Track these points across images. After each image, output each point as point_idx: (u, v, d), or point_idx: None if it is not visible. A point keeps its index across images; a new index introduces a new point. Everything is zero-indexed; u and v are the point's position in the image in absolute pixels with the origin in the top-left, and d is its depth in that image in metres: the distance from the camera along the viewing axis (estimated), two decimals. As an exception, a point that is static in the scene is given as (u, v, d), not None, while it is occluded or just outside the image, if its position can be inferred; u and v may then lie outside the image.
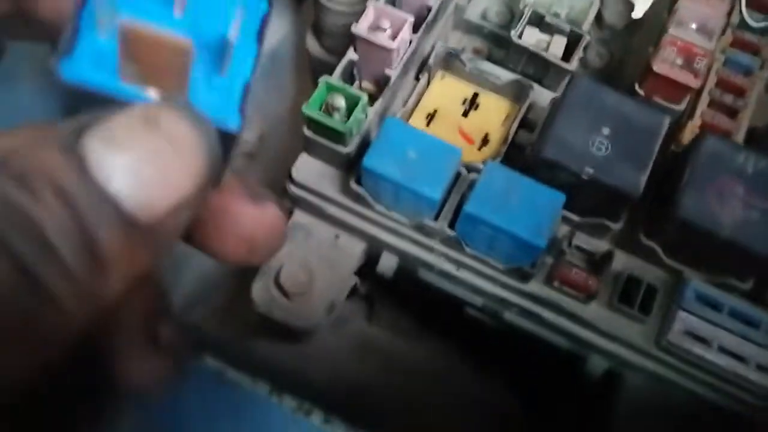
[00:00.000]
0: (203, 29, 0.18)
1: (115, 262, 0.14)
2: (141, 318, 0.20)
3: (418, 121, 0.36)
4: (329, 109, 0.32)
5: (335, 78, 0.33)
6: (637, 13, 0.42)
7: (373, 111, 0.33)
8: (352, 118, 0.31)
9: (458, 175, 0.32)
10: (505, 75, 0.36)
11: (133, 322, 0.20)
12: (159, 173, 0.14)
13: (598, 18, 0.40)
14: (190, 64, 0.17)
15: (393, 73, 0.33)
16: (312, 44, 0.47)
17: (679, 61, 0.33)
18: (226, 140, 0.18)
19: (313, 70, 0.50)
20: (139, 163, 0.14)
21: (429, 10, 0.35)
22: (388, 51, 0.32)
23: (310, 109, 0.31)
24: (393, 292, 0.44)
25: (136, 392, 0.20)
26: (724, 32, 0.36)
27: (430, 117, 0.36)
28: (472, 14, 0.40)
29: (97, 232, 0.13)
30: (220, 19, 0.18)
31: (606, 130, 0.30)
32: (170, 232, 0.15)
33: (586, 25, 0.37)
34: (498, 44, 0.39)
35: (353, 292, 0.41)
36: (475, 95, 0.36)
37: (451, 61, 0.36)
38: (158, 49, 0.16)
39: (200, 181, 0.15)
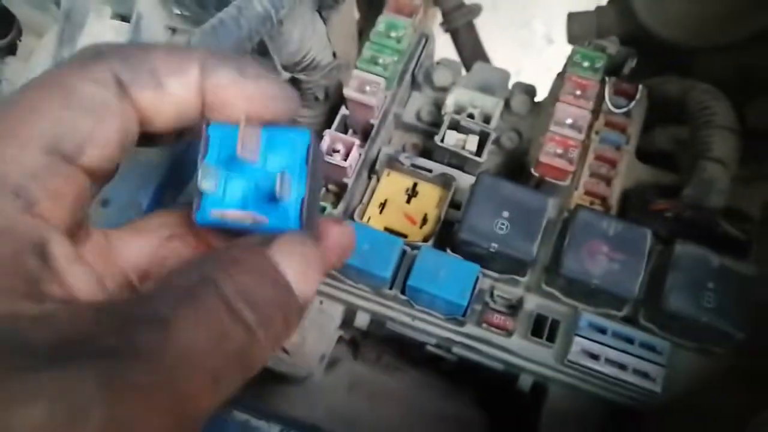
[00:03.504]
0: (270, 169, 0.26)
1: (291, 325, 0.24)
2: None
3: (373, 210, 0.47)
4: (304, 216, 0.43)
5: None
6: (538, 98, 0.54)
7: (337, 211, 0.45)
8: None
9: (404, 253, 0.44)
10: (435, 168, 0.47)
11: None
12: (311, 273, 0.25)
13: (508, 107, 0.52)
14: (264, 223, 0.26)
15: (349, 181, 0.45)
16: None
17: (559, 152, 0.44)
18: None
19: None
20: (303, 267, 0.24)
21: (372, 126, 0.47)
22: (342, 168, 0.44)
23: (290, 219, 0.43)
24: (373, 335, 0.55)
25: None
26: (598, 117, 0.48)
27: (382, 206, 0.47)
28: (408, 116, 0.52)
29: (288, 310, 0.23)
30: (280, 162, 0.26)
31: (506, 214, 0.42)
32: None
33: (494, 122, 0.48)
34: (430, 138, 0.51)
35: (341, 338, 0.52)
36: (415, 185, 0.48)
37: (393, 162, 0.48)
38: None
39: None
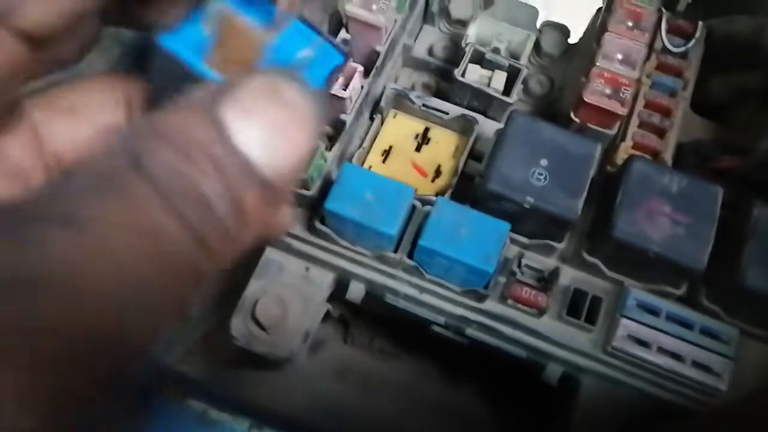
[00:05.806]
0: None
1: (254, 218, 0.16)
2: None
3: (374, 158, 0.38)
4: (291, 157, 0.34)
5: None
6: (573, 39, 0.45)
7: (331, 155, 0.36)
8: (312, 165, 0.34)
9: (413, 209, 0.35)
10: (452, 110, 0.39)
11: None
12: (285, 141, 0.16)
13: (537, 47, 0.43)
14: (257, 60, 0.21)
15: (348, 118, 0.36)
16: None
17: (608, 91, 0.36)
18: None
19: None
20: (270, 132, 0.16)
21: (378, 54, 0.38)
22: (341, 99, 0.35)
23: (273, 159, 0.34)
24: (365, 314, 0.47)
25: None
26: (649, 58, 0.39)
27: (386, 153, 0.39)
28: (419, 51, 0.43)
29: (244, 194, 0.16)
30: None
31: (544, 162, 0.33)
32: (288, 190, 0.18)
33: (524, 58, 0.40)
34: (445, 78, 0.42)
35: (328, 316, 0.43)
36: (426, 130, 0.39)
37: (401, 101, 0.39)
38: (240, 41, 0.20)
39: (313, 144, 0.17)
